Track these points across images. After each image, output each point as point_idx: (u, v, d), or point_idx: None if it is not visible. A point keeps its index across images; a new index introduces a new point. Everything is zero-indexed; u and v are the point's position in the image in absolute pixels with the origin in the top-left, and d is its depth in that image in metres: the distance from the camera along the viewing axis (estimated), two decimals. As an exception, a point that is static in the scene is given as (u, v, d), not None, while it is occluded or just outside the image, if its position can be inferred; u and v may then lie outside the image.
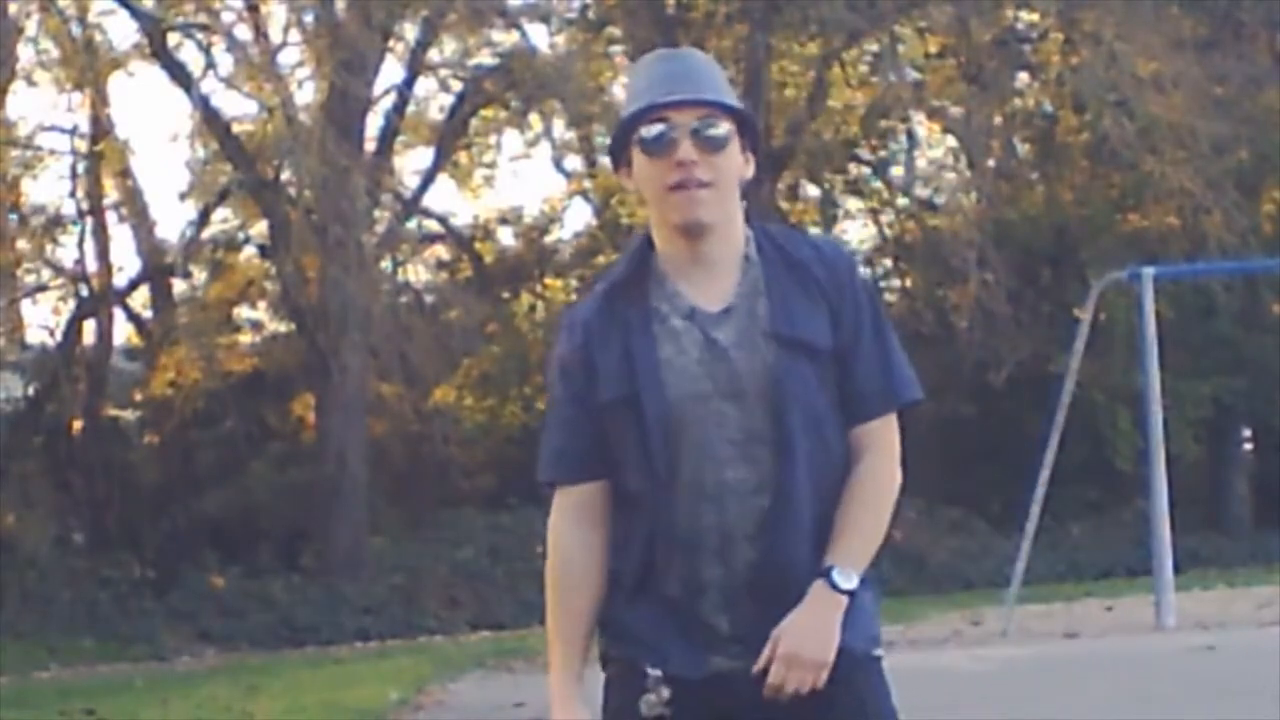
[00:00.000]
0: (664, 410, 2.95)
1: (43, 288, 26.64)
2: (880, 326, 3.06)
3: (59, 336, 26.16)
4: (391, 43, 24.23)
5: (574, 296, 29.57)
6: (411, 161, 28.10)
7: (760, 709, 2.95)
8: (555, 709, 3.10)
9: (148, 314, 27.58)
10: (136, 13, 23.43)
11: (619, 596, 3.04)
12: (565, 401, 3.08)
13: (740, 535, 2.95)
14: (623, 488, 3.03)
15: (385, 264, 26.11)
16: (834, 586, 2.93)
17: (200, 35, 23.95)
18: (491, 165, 28.60)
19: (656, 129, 2.98)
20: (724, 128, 3.00)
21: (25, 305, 26.89)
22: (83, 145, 25.38)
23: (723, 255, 3.02)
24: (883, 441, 3.04)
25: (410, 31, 24.86)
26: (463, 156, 28.04)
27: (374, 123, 24.55)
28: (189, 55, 24.10)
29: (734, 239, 3.04)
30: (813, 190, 29.41)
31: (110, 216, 26.62)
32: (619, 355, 3.00)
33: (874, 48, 25.80)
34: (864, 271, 3.18)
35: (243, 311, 28.16)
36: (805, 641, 2.90)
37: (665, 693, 2.96)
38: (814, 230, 28.74)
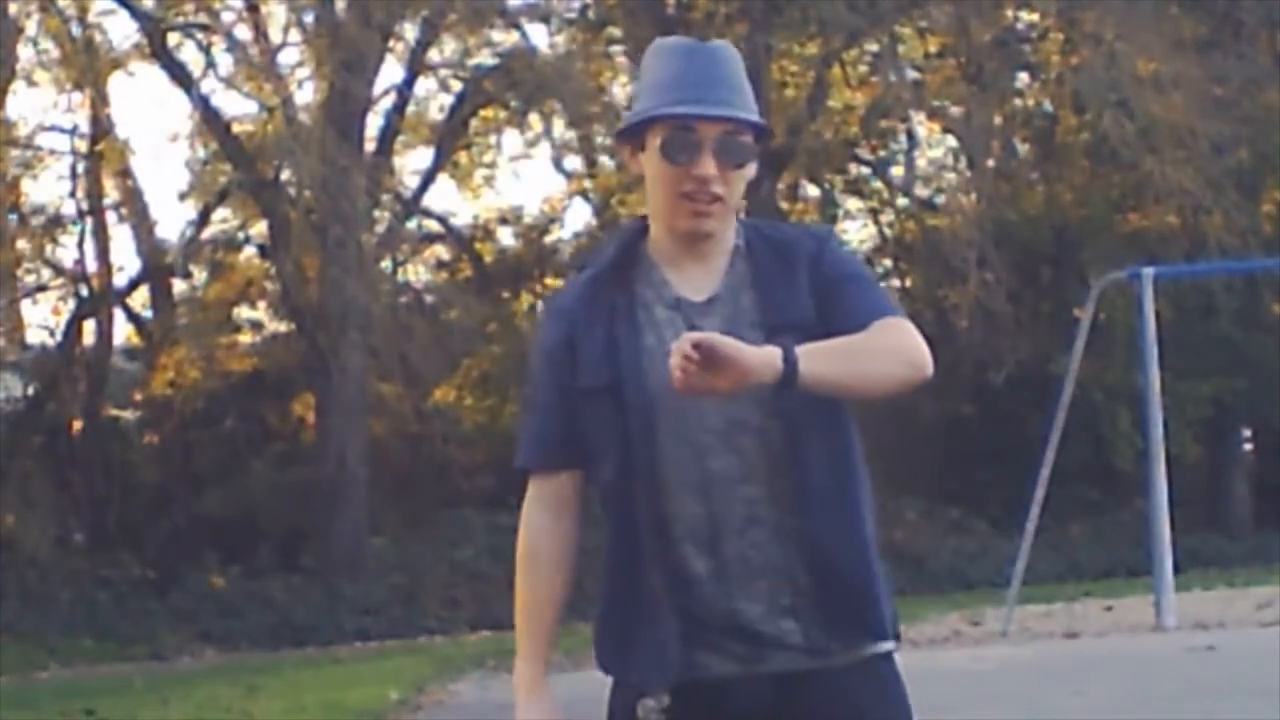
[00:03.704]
0: (645, 399, 2.90)
1: (43, 288, 26.65)
2: (863, 276, 3.00)
3: (59, 336, 26.18)
4: (391, 43, 24.25)
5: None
6: (411, 161, 28.16)
7: (765, 715, 2.91)
8: (520, 701, 3.05)
9: (148, 314, 27.58)
10: (136, 13, 23.44)
11: (609, 600, 3.00)
12: (545, 388, 3.04)
13: (728, 528, 2.89)
14: (600, 479, 2.99)
15: (385, 264, 26.13)
16: (786, 351, 2.77)
17: (200, 35, 23.97)
18: (491, 165, 28.65)
19: (680, 137, 2.94)
20: (747, 143, 2.97)
21: (25, 305, 26.93)
22: (83, 145, 25.38)
23: (716, 251, 3.00)
24: (894, 321, 2.91)
25: (410, 31, 24.88)
26: (463, 156, 28.06)
27: (374, 123, 24.59)
28: (189, 55, 24.15)
29: (729, 235, 3.03)
30: (813, 190, 29.42)
31: (110, 216, 26.64)
32: (602, 343, 2.96)
33: (874, 48, 25.80)
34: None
35: (243, 311, 28.15)
36: (728, 343, 2.73)
37: (665, 699, 2.90)
38: (814, 230, 28.77)
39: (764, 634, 2.90)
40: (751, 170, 3.01)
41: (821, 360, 2.80)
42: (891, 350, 2.89)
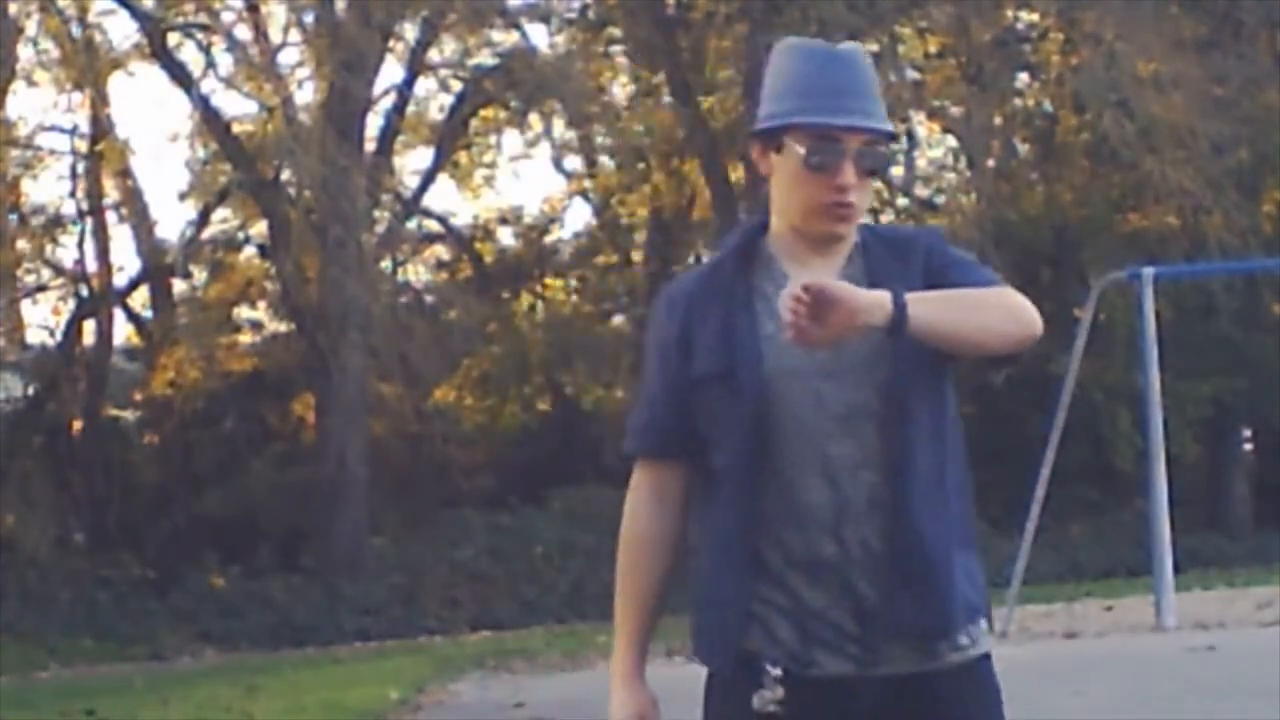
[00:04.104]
0: (759, 385, 2.92)
1: (43, 288, 26.67)
2: (971, 261, 3.06)
3: (59, 336, 26.19)
4: (391, 43, 24.25)
5: (574, 297, 29.62)
6: (411, 161, 28.16)
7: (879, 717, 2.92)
8: (616, 688, 3.05)
9: (148, 314, 27.59)
10: (136, 13, 23.44)
11: (719, 584, 2.98)
12: (657, 379, 3.06)
13: (852, 512, 2.91)
14: (714, 466, 2.99)
15: (385, 264, 26.13)
16: (895, 294, 2.82)
17: (200, 35, 23.99)
18: (491, 165, 28.66)
19: (825, 146, 2.96)
20: (884, 153, 3.02)
21: (25, 305, 26.94)
22: (83, 145, 25.40)
23: (839, 249, 3.04)
24: (1004, 288, 2.99)
25: (410, 31, 24.89)
26: (463, 156, 28.06)
27: (374, 123, 24.60)
28: (189, 55, 24.16)
29: (851, 236, 3.07)
30: (813, 190, 29.38)
31: (110, 216, 26.65)
32: (718, 329, 2.98)
33: (874, 48, 25.76)
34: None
35: (243, 311, 28.17)
36: (837, 284, 2.79)
37: (780, 690, 2.90)
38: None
39: (881, 622, 2.91)
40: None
41: (932, 306, 2.85)
42: (1001, 305, 2.94)
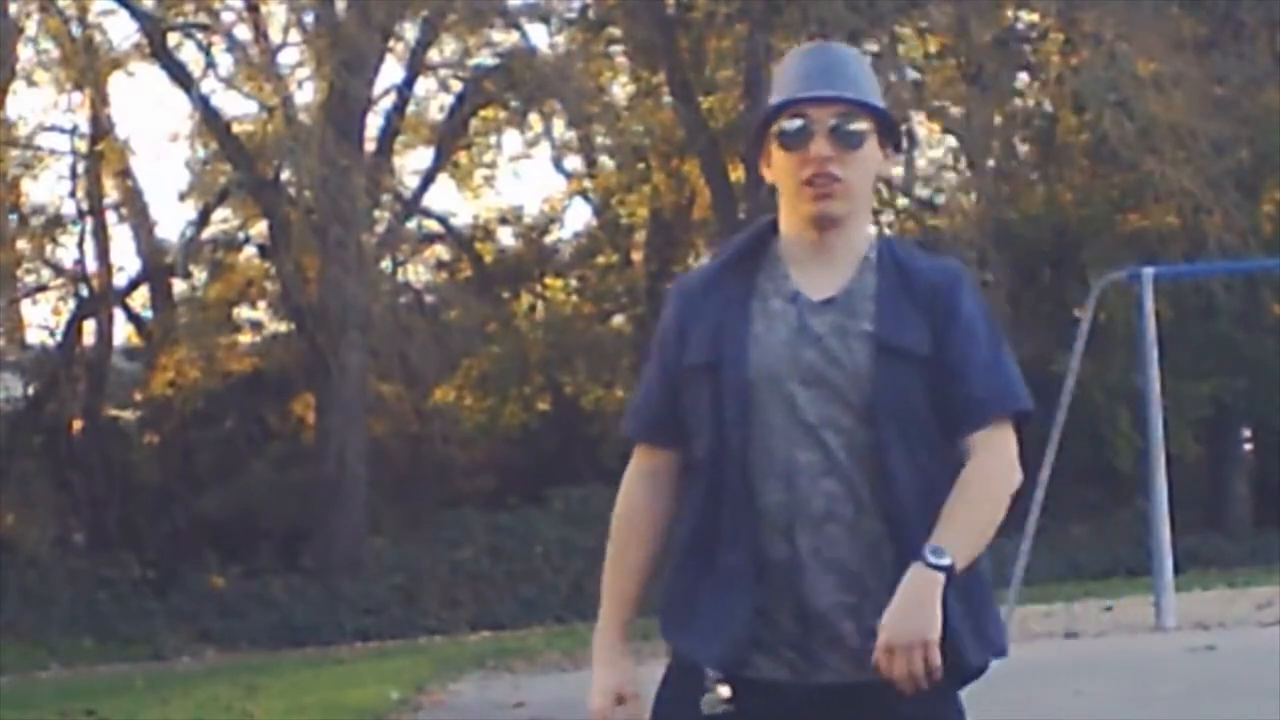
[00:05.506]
0: (741, 382, 2.97)
1: (43, 288, 26.66)
2: (992, 337, 3.04)
3: (59, 336, 26.19)
4: (391, 43, 24.26)
5: (574, 297, 29.62)
6: (411, 161, 28.14)
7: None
8: (596, 663, 3.10)
9: (148, 314, 27.59)
10: (136, 13, 23.45)
11: (681, 573, 3.04)
12: (656, 365, 3.13)
13: (806, 519, 2.94)
14: (691, 456, 3.05)
15: (385, 264, 26.12)
16: (926, 562, 2.87)
17: (200, 35, 23.99)
18: (491, 165, 28.64)
19: (794, 123, 3.02)
20: (861, 125, 3.02)
21: (25, 305, 26.92)
22: (83, 145, 25.39)
23: (844, 250, 3.05)
24: (995, 443, 3.00)
25: (410, 31, 24.89)
26: (463, 156, 28.05)
27: (374, 123, 24.59)
28: (189, 55, 24.15)
29: (859, 235, 3.07)
30: (813, 190, 29.36)
31: (110, 216, 26.65)
32: (711, 323, 3.03)
33: (874, 48, 25.77)
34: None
35: (243, 311, 28.17)
36: (901, 625, 2.83)
37: (725, 691, 2.92)
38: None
39: (824, 632, 2.95)
40: (873, 153, 3.05)
41: (966, 554, 3.00)
42: (1003, 495, 3.04)
